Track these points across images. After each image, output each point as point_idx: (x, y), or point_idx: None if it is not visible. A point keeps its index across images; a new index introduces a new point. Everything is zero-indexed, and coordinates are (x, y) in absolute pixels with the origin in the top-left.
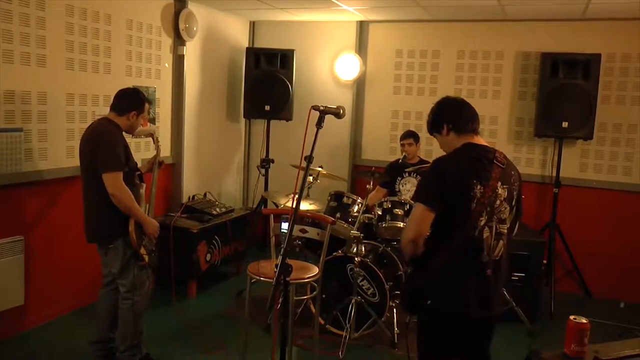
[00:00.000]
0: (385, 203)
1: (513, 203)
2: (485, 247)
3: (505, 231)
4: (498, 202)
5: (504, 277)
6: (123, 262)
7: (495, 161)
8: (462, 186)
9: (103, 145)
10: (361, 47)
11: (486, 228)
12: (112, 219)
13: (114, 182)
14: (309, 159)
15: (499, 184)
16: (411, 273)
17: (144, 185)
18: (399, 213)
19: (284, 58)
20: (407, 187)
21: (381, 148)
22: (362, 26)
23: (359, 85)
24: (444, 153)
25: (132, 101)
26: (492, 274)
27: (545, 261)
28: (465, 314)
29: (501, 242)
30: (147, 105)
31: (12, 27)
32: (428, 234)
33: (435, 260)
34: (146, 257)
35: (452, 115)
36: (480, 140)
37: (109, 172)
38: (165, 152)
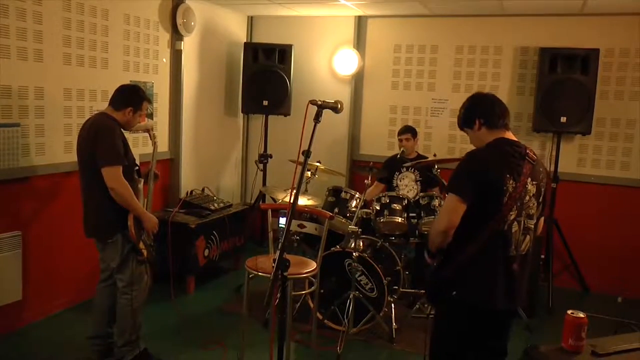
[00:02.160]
0: (383, 198)
1: (540, 200)
2: (513, 242)
3: (532, 227)
4: (527, 197)
5: (529, 272)
6: (122, 257)
7: (526, 157)
8: (495, 180)
9: (102, 139)
10: (359, 42)
11: (515, 223)
12: (111, 214)
13: (113, 176)
14: (307, 153)
15: (529, 179)
16: (437, 264)
17: (142, 180)
18: (397, 208)
19: (282, 53)
20: (405, 182)
21: (379, 143)
22: (361, 21)
23: (357, 81)
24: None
25: (130, 97)
26: (518, 268)
27: (543, 256)
28: (490, 305)
29: (528, 237)
30: (145, 104)
31: (8, 22)
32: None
33: (463, 252)
34: (145, 252)
35: (484, 110)
36: (511, 135)
37: (108, 166)
38: (163, 147)
